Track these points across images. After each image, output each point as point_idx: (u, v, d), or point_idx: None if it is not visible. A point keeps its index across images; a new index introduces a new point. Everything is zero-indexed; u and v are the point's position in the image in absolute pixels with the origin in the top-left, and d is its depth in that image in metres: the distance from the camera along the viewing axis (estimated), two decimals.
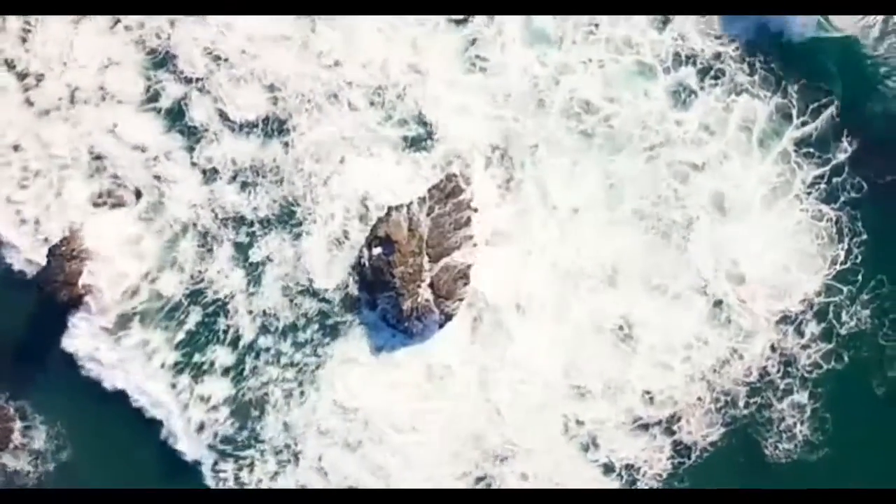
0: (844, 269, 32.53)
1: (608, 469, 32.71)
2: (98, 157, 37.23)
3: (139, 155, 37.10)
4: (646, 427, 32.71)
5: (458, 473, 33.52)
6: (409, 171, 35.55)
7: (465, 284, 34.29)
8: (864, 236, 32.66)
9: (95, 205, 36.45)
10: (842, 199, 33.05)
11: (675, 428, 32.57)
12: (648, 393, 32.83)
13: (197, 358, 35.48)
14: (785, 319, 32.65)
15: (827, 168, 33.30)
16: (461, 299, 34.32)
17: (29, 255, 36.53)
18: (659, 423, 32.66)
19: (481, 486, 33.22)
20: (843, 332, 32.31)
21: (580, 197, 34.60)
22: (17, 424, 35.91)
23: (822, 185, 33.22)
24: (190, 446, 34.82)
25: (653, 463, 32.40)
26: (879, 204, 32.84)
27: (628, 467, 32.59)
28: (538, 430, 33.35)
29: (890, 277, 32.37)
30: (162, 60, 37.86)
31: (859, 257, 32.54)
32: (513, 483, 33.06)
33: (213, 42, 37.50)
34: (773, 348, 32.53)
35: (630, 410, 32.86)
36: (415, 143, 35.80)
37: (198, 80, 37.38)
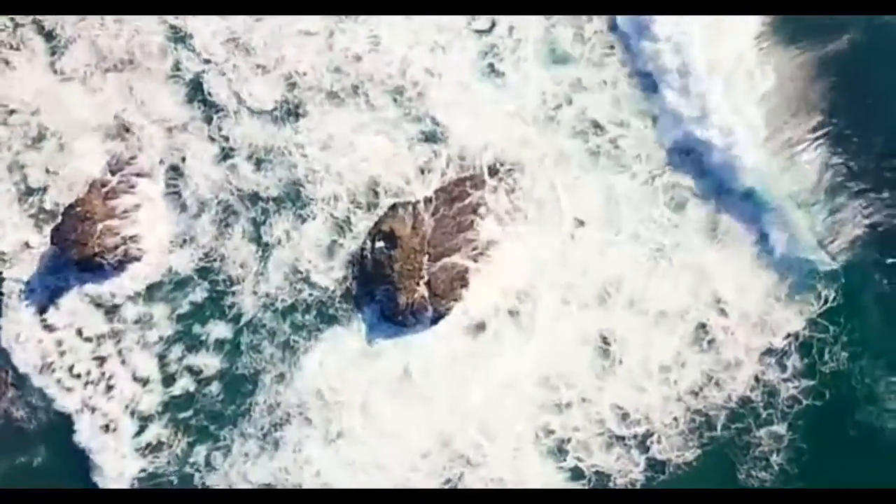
0: (831, 308, 32.85)
1: (578, 476, 33.04)
2: (121, 125, 38.23)
3: (160, 125, 38.09)
4: (621, 439, 33.06)
5: (426, 472, 33.83)
6: (417, 169, 36.36)
7: (462, 286, 34.98)
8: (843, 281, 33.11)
9: (112, 171, 37.27)
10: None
11: (648, 443, 32.87)
12: (622, 409, 33.19)
13: (194, 331, 36.26)
14: (769, 352, 32.92)
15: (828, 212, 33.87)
16: (456, 300, 34.99)
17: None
18: (634, 437, 32.98)
19: (448, 486, 33.49)
20: (825, 370, 32.51)
21: (582, 213, 35.30)
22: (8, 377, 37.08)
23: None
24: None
25: (626, 473, 32.72)
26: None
27: (598, 474, 32.91)
28: (510, 435, 33.70)
29: (868, 321, 32.64)
30: (182, 37, 39.15)
31: (842, 299, 32.89)
32: (480, 486, 33.32)
33: (233, 30, 38.77)
34: (756, 378, 32.80)
35: (603, 422, 33.23)
36: (428, 141, 36.58)
37: (215, 62, 38.48)
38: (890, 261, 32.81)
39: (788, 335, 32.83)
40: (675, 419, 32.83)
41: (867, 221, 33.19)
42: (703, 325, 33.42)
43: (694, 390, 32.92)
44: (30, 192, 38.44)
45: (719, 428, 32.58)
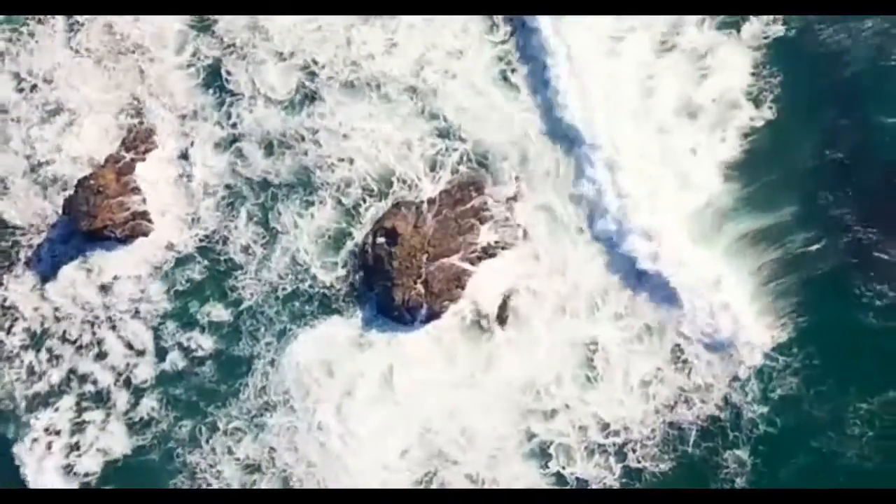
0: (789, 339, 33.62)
1: (559, 480, 33.71)
2: (136, 105, 39.13)
3: (175, 107, 38.98)
4: (601, 447, 33.75)
5: (404, 469, 34.48)
6: (426, 165, 37.11)
7: (458, 287, 35.76)
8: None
9: (127, 149, 38.04)
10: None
11: (626, 451, 33.59)
12: (603, 420, 33.82)
13: (191, 310, 37.10)
14: (735, 378, 33.53)
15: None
16: (451, 300, 35.72)
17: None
18: (613, 446, 33.66)
19: (426, 483, 34.16)
20: (775, 396, 33.09)
21: (582, 223, 35.96)
22: None
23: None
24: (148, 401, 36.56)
25: (602, 481, 33.41)
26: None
27: (578, 480, 33.61)
28: (492, 437, 34.33)
29: (820, 350, 33.39)
30: (205, 23, 40.03)
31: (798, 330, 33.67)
32: (459, 485, 33.99)
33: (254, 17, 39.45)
34: (725, 400, 33.36)
35: (585, 429, 33.93)
36: (441, 137, 37.33)
37: (236, 47, 39.29)
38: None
39: (751, 365, 33.53)
40: (653, 430, 33.57)
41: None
42: (678, 346, 34.15)
43: (670, 405, 33.64)
44: (43, 163, 39.32)
45: (691, 443, 33.23)
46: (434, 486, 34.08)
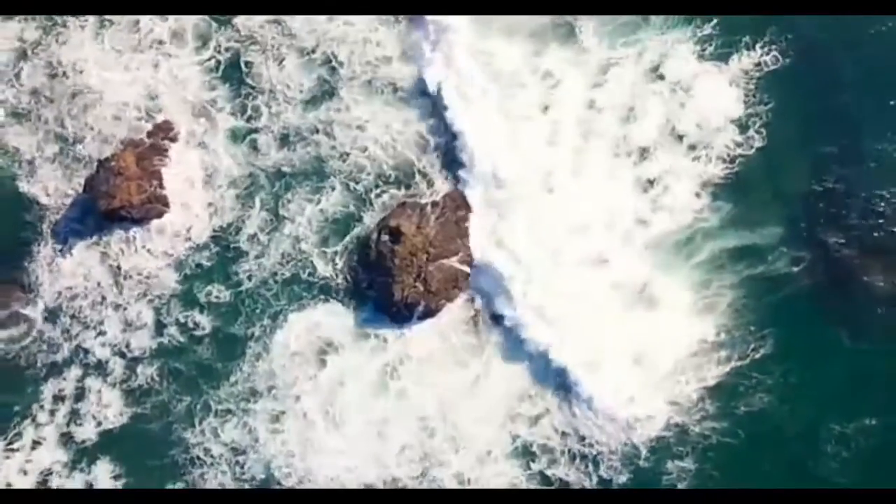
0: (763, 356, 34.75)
1: (543, 481, 34.77)
2: (157, 94, 40.25)
3: (196, 97, 40.09)
4: (581, 455, 34.88)
5: (392, 466, 35.52)
6: (432, 165, 38.43)
7: (455, 288, 36.97)
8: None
9: (148, 135, 39.24)
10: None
11: (598, 460, 34.75)
12: (580, 432, 34.94)
13: (195, 291, 38.19)
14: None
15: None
16: (448, 300, 36.87)
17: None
18: (586, 456, 34.77)
19: (418, 481, 35.18)
20: (740, 412, 34.18)
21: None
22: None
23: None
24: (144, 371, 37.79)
25: (580, 483, 34.49)
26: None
27: (560, 481, 34.61)
28: (482, 439, 35.38)
29: (799, 366, 34.56)
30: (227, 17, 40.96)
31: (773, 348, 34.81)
32: (448, 483, 34.94)
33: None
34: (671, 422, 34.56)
35: (566, 436, 35.04)
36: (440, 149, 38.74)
37: (256, 40, 40.29)
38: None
39: (705, 385, 34.68)
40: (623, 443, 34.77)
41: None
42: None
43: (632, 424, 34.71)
44: (68, 144, 40.38)
45: (643, 457, 34.44)
46: (423, 482, 35.10)
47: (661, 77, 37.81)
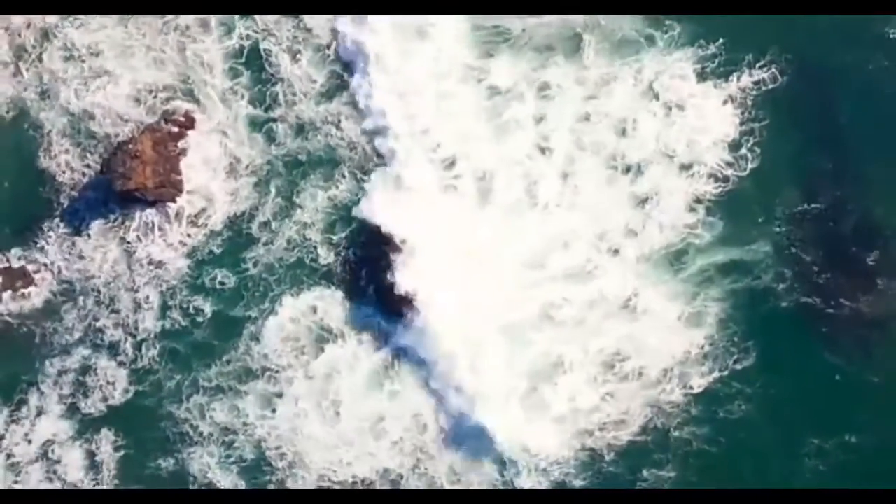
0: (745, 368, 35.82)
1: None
2: (178, 80, 40.81)
3: (216, 87, 40.61)
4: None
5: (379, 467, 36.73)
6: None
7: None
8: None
9: (166, 121, 39.92)
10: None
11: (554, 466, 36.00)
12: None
13: (203, 275, 39.19)
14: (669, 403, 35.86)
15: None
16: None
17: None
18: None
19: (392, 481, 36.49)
20: (720, 418, 35.37)
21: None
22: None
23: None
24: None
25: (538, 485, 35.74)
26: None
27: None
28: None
29: (780, 380, 35.67)
30: None
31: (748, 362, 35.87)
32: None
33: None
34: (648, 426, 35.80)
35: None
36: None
37: (275, 33, 40.84)
38: None
39: (688, 393, 35.89)
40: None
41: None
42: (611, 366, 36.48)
43: (593, 431, 35.91)
44: (86, 125, 41.07)
45: (608, 460, 35.73)
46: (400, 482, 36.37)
47: (658, 95, 38.46)
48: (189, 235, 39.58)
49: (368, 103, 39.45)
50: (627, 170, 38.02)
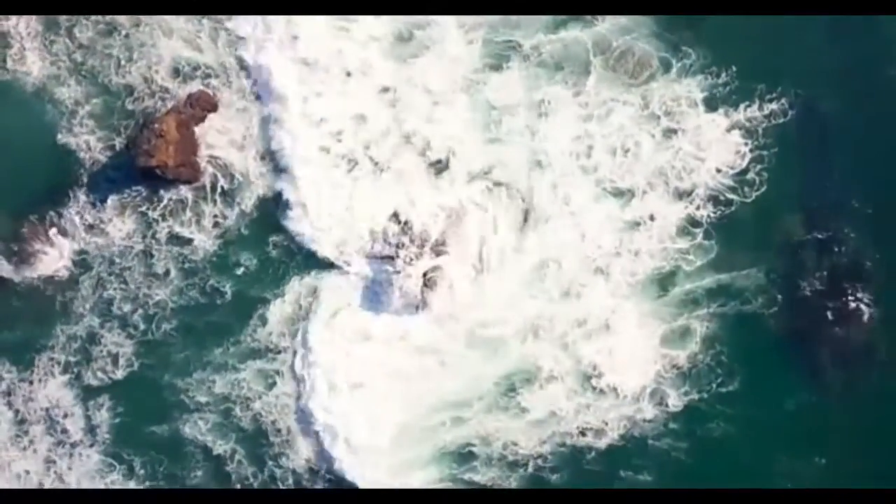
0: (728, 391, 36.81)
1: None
2: (207, 66, 41.62)
3: (238, 77, 41.52)
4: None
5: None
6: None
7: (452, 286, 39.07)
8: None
9: (191, 105, 40.54)
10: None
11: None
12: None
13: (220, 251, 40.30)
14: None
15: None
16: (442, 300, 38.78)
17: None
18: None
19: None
20: (698, 436, 36.55)
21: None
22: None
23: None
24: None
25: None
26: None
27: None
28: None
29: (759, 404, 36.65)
30: None
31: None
32: None
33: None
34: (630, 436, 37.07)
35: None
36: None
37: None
38: None
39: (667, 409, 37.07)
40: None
41: None
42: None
43: (573, 435, 37.25)
44: (116, 100, 42.00)
45: (590, 458, 37.05)
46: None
47: (661, 118, 39.15)
48: (225, 217, 40.61)
49: None
50: (621, 193, 38.96)
